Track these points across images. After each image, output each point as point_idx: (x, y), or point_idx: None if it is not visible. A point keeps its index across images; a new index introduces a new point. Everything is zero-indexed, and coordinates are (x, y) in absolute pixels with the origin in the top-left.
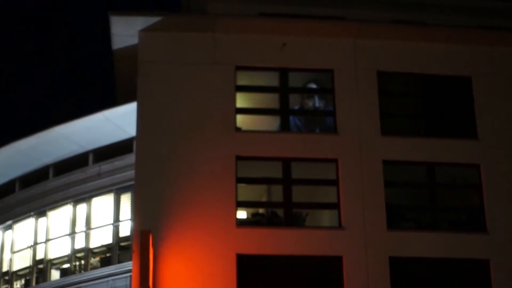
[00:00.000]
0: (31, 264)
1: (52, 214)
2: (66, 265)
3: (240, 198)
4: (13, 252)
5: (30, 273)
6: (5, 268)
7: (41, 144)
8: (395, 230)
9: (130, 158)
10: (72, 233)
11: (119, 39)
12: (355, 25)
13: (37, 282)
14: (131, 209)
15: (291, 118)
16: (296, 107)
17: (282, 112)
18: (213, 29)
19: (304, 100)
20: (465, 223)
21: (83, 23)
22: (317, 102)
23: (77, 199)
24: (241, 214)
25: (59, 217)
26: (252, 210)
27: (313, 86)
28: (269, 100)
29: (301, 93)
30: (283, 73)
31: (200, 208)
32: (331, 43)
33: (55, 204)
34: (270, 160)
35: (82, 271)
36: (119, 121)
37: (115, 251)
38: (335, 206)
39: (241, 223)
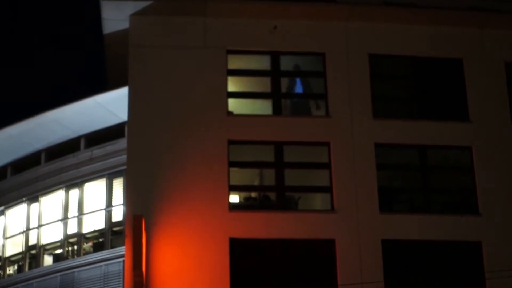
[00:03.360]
0: (23, 249)
1: (44, 199)
2: (58, 251)
3: (233, 182)
4: (5, 238)
5: (23, 258)
6: None
7: (32, 129)
8: (388, 213)
9: (122, 143)
10: (65, 219)
11: (110, 24)
12: (346, 7)
13: (30, 268)
14: (124, 194)
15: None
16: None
17: (274, 95)
18: (203, 13)
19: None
20: (458, 205)
21: (73, 6)
22: (298, 87)
23: (69, 184)
24: (234, 198)
25: (52, 203)
26: (244, 194)
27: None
28: (261, 83)
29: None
30: (275, 56)
31: (192, 192)
32: (322, 26)
33: (47, 189)
34: (262, 144)
35: (75, 256)
36: (110, 106)
37: (107, 236)
38: (328, 189)
39: (233, 207)
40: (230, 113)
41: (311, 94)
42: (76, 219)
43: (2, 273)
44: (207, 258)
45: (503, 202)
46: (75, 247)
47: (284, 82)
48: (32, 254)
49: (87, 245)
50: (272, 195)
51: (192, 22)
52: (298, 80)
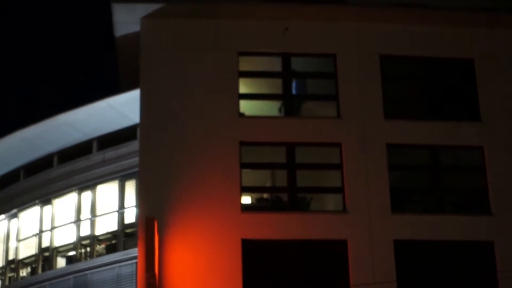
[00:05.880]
0: (37, 252)
1: (57, 202)
2: (72, 253)
3: (245, 184)
4: (18, 241)
5: (36, 261)
6: (11, 256)
7: (45, 132)
8: (400, 213)
9: (134, 145)
10: (77, 221)
11: (121, 26)
12: (357, 9)
13: (43, 270)
14: (136, 196)
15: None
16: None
17: (285, 97)
18: (215, 15)
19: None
20: (469, 205)
21: (85, 9)
22: (294, 89)
23: (81, 187)
24: (246, 199)
25: (64, 205)
26: (256, 195)
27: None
28: (272, 85)
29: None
30: (286, 58)
31: (204, 193)
32: (333, 28)
33: (60, 192)
34: (274, 145)
35: (88, 259)
36: (122, 108)
37: (120, 238)
38: (339, 190)
39: (245, 208)
40: (241, 115)
41: (323, 95)
42: (89, 221)
43: (15, 276)
44: (220, 259)
45: None
46: (88, 249)
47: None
48: (45, 256)
49: (100, 247)
50: (284, 196)
51: (203, 24)
52: (294, 82)
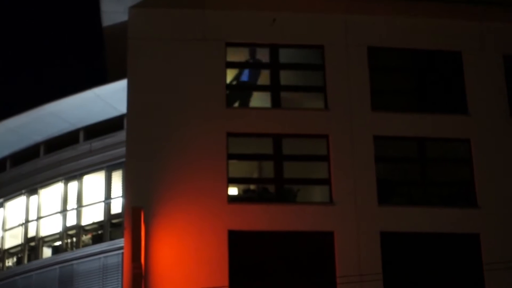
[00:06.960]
0: (22, 242)
1: (43, 191)
2: (58, 243)
3: (232, 175)
4: (4, 230)
5: (22, 250)
6: None
7: (31, 122)
8: (386, 205)
9: (121, 135)
10: (64, 211)
11: (109, 16)
12: (346, 0)
13: (29, 260)
14: (123, 186)
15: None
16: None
17: (273, 88)
18: (203, 5)
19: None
20: (456, 198)
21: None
22: (245, 76)
23: (68, 177)
24: (233, 190)
25: (51, 195)
26: (243, 186)
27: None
28: (260, 76)
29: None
30: (274, 49)
31: (191, 184)
32: (322, 19)
33: (46, 181)
34: (261, 136)
35: (74, 249)
36: (109, 99)
37: (106, 228)
38: (326, 181)
39: (232, 199)
40: (229, 105)
41: (311, 87)
42: (75, 211)
43: (1, 265)
44: (206, 250)
45: (501, 194)
46: (74, 239)
47: (283, 74)
48: (31, 246)
49: (86, 237)
50: (271, 188)
51: (191, 14)
52: (246, 70)
